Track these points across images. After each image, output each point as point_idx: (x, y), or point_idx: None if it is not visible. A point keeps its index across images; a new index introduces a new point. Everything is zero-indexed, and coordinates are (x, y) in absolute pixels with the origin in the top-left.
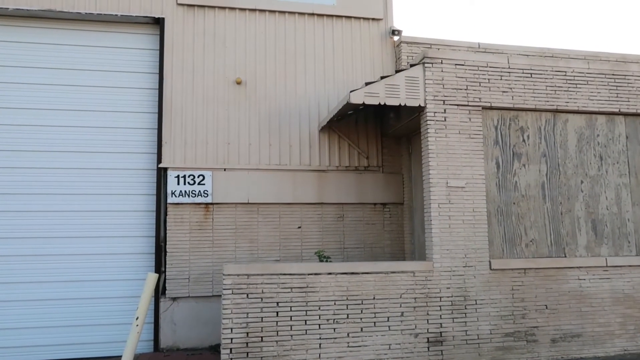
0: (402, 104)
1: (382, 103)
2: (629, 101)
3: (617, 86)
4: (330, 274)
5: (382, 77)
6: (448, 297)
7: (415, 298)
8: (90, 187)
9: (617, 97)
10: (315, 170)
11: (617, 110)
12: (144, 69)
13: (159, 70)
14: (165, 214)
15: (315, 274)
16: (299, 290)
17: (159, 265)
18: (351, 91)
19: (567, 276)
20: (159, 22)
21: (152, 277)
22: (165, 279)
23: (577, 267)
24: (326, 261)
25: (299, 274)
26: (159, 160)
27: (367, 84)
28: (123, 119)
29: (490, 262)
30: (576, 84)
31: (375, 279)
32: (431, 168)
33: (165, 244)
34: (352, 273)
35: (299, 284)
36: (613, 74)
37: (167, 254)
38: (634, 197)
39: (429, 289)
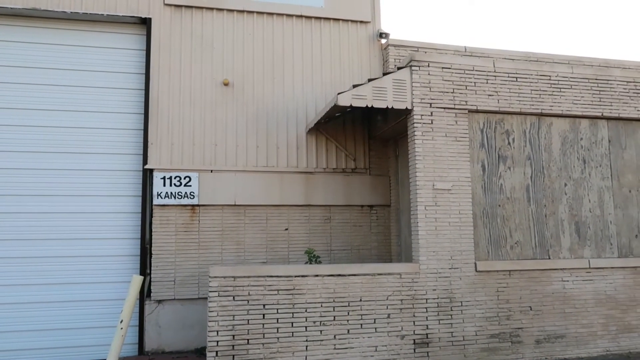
0: (389, 107)
1: (370, 105)
2: (611, 105)
3: (600, 90)
4: (317, 276)
5: (369, 80)
6: (434, 298)
7: (401, 300)
8: (74, 188)
9: (600, 101)
10: (302, 172)
11: (600, 114)
12: (130, 69)
13: (146, 71)
14: (151, 216)
15: (302, 276)
16: (285, 293)
17: (145, 268)
18: (339, 93)
19: (551, 278)
20: (145, 22)
21: (137, 279)
22: (150, 282)
23: (560, 269)
24: (316, 261)
25: (286, 276)
26: (145, 162)
27: (354, 86)
28: (108, 119)
29: (475, 264)
30: (560, 88)
31: (362, 280)
32: (418, 170)
33: (151, 246)
34: (339, 275)
35: (286, 286)
36: (596, 79)
37: (153, 256)
38: (616, 200)
39: (415, 290)
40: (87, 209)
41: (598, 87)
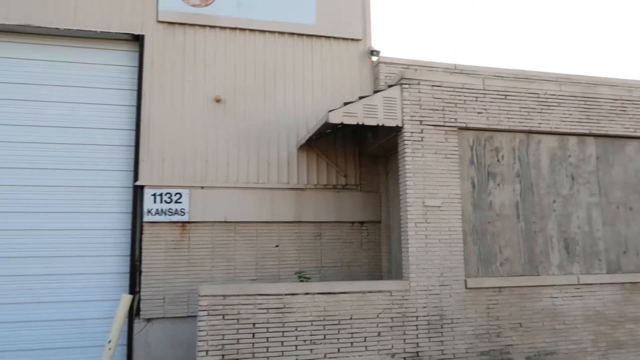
0: (380, 124)
1: (360, 123)
2: (599, 123)
3: (588, 108)
4: (307, 294)
5: (360, 97)
6: (424, 316)
7: (392, 317)
8: (64, 204)
9: (587, 118)
10: (293, 189)
11: (588, 131)
12: (123, 85)
13: (138, 87)
14: (141, 233)
15: (292, 294)
16: (275, 311)
17: (134, 285)
18: (330, 111)
19: (540, 294)
20: (138, 39)
21: (126, 298)
22: (139, 300)
23: (550, 285)
24: (307, 281)
25: (276, 294)
26: (136, 178)
27: (345, 103)
28: (100, 135)
29: (465, 281)
30: (549, 105)
31: (352, 298)
32: (408, 187)
33: (141, 264)
34: (329, 293)
35: (276, 305)
36: (584, 97)
37: (142, 273)
38: (604, 217)
39: (405, 308)
40: (76, 226)
41: (586, 104)
